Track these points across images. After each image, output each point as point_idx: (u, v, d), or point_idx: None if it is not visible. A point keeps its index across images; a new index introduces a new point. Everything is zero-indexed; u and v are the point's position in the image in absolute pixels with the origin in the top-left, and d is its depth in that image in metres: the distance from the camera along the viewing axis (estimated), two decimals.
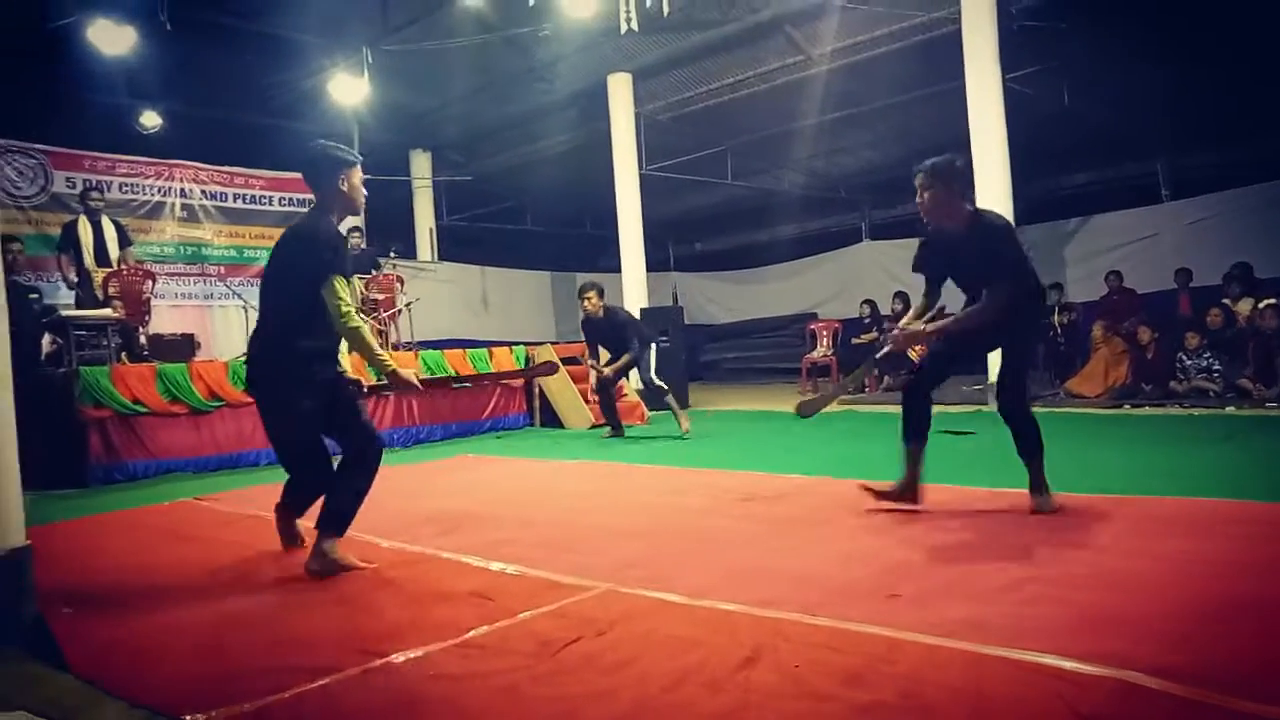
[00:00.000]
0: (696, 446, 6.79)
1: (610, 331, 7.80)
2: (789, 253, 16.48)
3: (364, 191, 3.65)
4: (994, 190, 8.61)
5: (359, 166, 3.64)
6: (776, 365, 14.87)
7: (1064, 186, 13.30)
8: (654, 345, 7.99)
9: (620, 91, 11.67)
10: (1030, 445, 3.75)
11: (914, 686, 2.00)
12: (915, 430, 3.90)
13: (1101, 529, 3.37)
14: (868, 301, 12.37)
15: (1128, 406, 8.22)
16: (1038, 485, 3.76)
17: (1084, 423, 7.20)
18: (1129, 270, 10.85)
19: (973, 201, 3.88)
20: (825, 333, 12.32)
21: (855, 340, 11.82)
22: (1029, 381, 3.67)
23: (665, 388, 7.74)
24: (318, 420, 3.47)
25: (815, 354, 12.11)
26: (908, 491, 3.91)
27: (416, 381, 3.64)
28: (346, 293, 3.40)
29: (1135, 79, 10.02)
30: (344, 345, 3.78)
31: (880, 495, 3.95)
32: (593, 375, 8.07)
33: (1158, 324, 9.17)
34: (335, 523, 3.40)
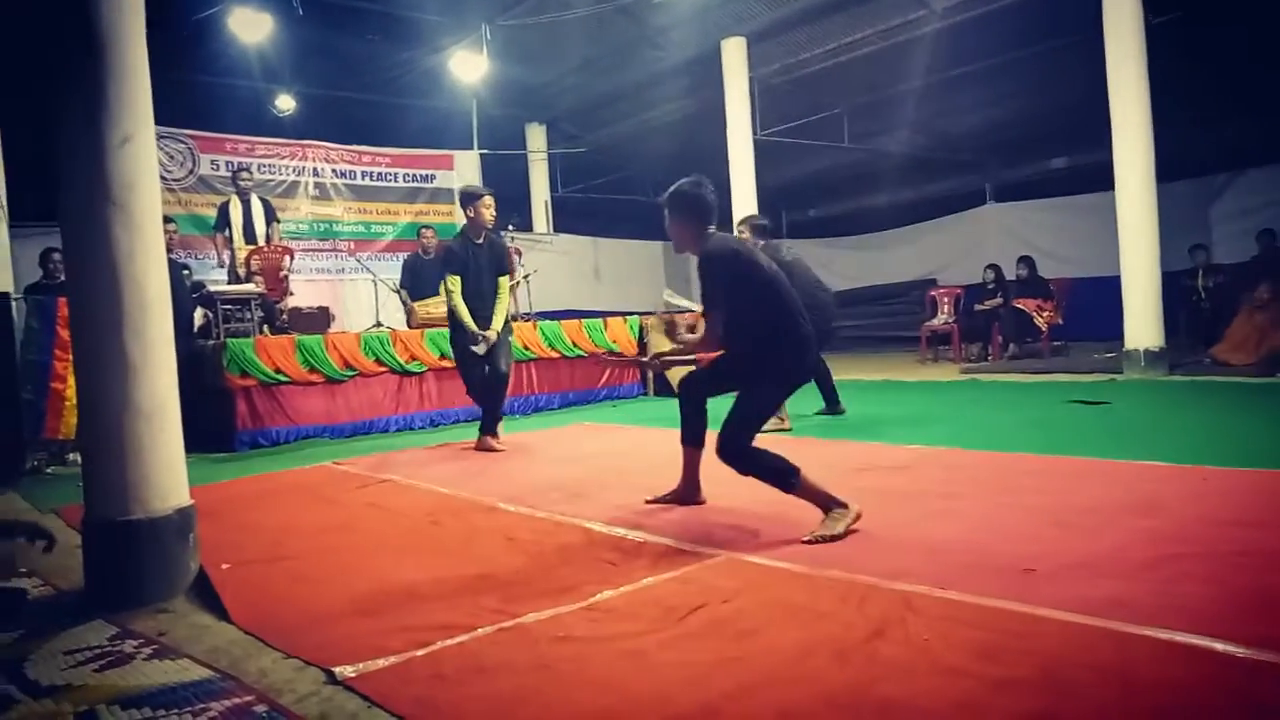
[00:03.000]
0: (812, 417, 6.68)
1: None
2: (907, 217, 15.90)
3: (490, 214, 5.66)
4: (1134, 145, 8.11)
5: (485, 197, 5.67)
6: (894, 333, 14.47)
7: (1211, 138, 12.36)
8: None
9: (734, 56, 11.49)
10: (770, 481, 3.26)
11: (1054, 664, 1.94)
12: (689, 433, 3.78)
13: (1253, 505, 3.17)
14: (992, 266, 11.84)
15: None
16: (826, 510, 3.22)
17: (1233, 392, 6.75)
18: None
19: (712, 229, 3.65)
20: (946, 300, 11.88)
21: (978, 307, 11.37)
22: (751, 430, 3.27)
23: None
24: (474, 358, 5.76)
25: (935, 321, 11.73)
26: (685, 494, 3.82)
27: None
28: (454, 285, 5.58)
29: None
30: (501, 310, 5.73)
31: (656, 500, 3.88)
32: None
33: None
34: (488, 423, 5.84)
